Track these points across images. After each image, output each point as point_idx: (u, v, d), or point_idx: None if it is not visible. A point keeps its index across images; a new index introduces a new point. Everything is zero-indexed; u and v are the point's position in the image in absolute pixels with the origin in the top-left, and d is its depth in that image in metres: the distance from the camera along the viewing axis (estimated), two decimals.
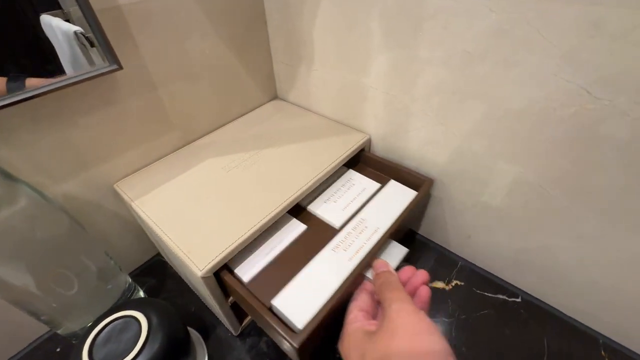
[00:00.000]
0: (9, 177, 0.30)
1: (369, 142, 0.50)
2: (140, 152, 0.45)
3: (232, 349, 0.42)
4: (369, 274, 0.36)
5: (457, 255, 0.51)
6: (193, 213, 0.39)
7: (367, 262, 0.36)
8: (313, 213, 0.44)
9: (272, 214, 0.38)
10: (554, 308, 0.44)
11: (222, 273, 0.35)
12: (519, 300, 0.45)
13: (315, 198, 0.45)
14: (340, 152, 0.46)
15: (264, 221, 0.37)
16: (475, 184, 0.42)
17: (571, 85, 0.29)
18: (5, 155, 0.34)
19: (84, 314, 0.39)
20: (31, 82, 0.33)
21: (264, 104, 0.60)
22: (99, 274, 0.39)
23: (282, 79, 0.58)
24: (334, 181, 0.47)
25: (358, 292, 0.33)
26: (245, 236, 0.35)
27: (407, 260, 0.40)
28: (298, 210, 0.44)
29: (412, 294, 0.31)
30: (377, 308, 0.32)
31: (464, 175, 0.42)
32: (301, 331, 0.30)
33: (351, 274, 0.34)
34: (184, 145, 0.50)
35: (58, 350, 0.43)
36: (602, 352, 0.40)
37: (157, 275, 0.51)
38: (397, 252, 0.40)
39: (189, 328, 0.42)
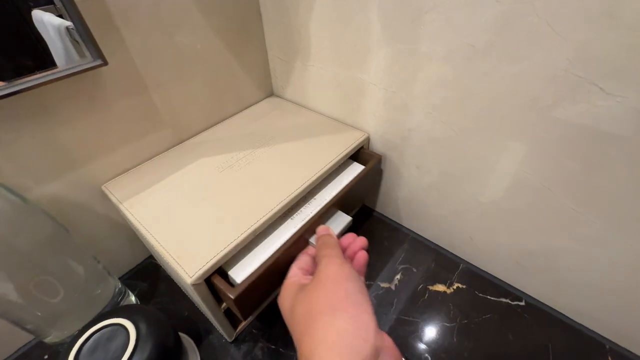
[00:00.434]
0: None
1: (367, 140, 0.48)
2: (129, 151, 0.43)
3: (226, 355, 0.41)
4: (313, 240, 0.38)
5: (459, 257, 0.50)
6: (184, 215, 0.37)
7: (311, 227, 0.38)
8: None
9: (267, 217, 0.36)
10: (559, 312, 0.42)
11: (213, 277, 0.34)
12: (522, 303, 0.44)
13: None
14: (338, 151, 0.44)
15: (258, 224, 0.35)
16: (477, 184, 0.40)
17: (582, 81, 0.27)
18: None
19: (71, 321, 0.37)
20: None
21: (260, 101, 0.58)
22: (87, 280, 0.38)
23: (278, 75, 0.56)
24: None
25: (300, 254, 0.36)
26: (239, 240, 0.34)
27: (403, 260, 0.39)
28: None
29: (352, 258, 0.33)
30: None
31: (466, 175, 0.40)
32: (238, 284, 0.33)
33: (292, 237, 0.37)
34: (175, 145, 0.48)
35: (46, 357, 0.42)
36: (609, 358, 0.38)
37: (149, 278, 0.50)
38: (341, 220, 0.42)
39: (181, 334, 0.41)
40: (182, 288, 0.46)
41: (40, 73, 0.31)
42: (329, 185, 0.45)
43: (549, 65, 0.28)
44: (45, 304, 0.34)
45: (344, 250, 0.34)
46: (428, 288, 0.46)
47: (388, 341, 0.24)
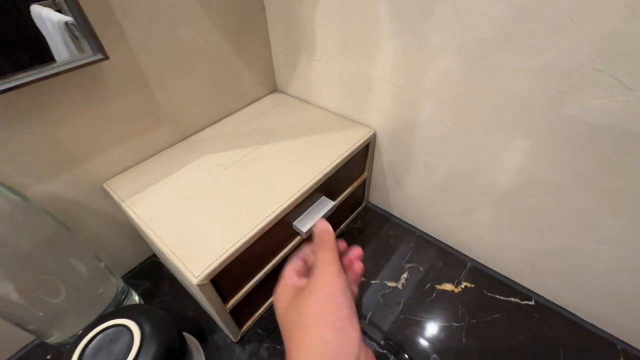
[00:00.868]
0: None
1: (374, 137, 0.47)
2: (131, 148, 0.42)
3: (231, 355, 0.40)
4: (301, 226, 0.39)
5: (466, 256, 0.49)
6: (188, 214, 0.36)
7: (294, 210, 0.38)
8: None
9: (273, 215, 0.35)
10: (570, 312, 0.42)
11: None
12: (532, 303, 0.43)
13: None
14: (344, 148, 0.43)
15: (264, 223, 0.34)
16: (487, 182, 0.39)
17: (601, 75, 0.26)
18: None
19: (74, 321, 0.37)
20: None
21: (263, 97, 0.57)
22: (89, 279, 0.37)
23: (282, 70, 0.55)
24: None
25: (293, 256, 0.35)
26: (244, 239, 0.33)
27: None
28: None
29: (347, 267, 0.33)
30: (310, 272, 0.34)
31: (476, 173, 0.39)
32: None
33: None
34: (178, 142, 0.47)
35: (48, 357, 0.41)
36: (621, 359, 0.38)
37: (152, 277, 0.49)
38: (325, 203, 0.42)
39: (185, 334, 0.40)
40: (186, 287, 0.45)
41: (39, 68, 0.30)
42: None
43: (566, 58, 0.27)
44: (47, 304, 0.34)
45: (339, 253, 0.34)
46: (435, 287, 0.45)
47: (371, 356, 0.26)
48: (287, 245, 0.41)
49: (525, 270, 0.43)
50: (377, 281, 0.46)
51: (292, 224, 0.40)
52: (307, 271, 0.33)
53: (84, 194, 0.40)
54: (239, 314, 0.39)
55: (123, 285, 0.42)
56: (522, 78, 0.30)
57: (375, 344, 0.40)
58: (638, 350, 0.38)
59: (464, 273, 0.47)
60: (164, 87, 0.42)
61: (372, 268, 0.48)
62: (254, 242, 0.34)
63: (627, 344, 0.39)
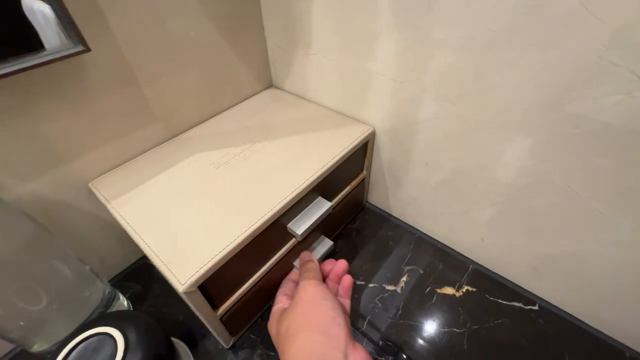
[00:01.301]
0: None
1: (373, 134, 0.45)
2: (118, 146, 0.40)
3: None
4: (297, 264, 0.41)
5: (468, 259, 0.47)
6: (177, 216, 0.34)
7: (297, 253, 0.40)
8: None
9: (267, 217, 0.33)
10: (576, 317, 0.40)
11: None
12: (536, 308, 0.41)
13: None
14: (341, 146, 0.42)
15: (256, 225, 0.33)
16: (492, 182, 0.37)
17: (619, 70, 0.24)
18: None
19: (58, 328, 0.35)
20: None
21: (258, 93, 0.55)
22: (73, 284, 0.35)
23: (278, 65, 0.53)
24: None
25: (285, 280, 0.39)
26: (236, 243, 0.31)
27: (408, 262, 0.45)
28: None
29: (337, 281, 0.36)
30: None
31: (480, 172, 0.38)
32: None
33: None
34: (167, 139, 0.45)
35: None
36: None
37: (142, 280, 0.47)
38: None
39: (175, 340, 0.39)
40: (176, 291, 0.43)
41: (13, 61, 0.28)
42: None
43: (582, 52, 0.25)
44: (27, 312, 0.32)
45: (326, 274, 0.37)
46: (436, 291, 0.44)
47: (360, 350, 0.27)
48: (281, 248, 0.39)
49: (530, 273, 0.41)
50: (375, 284, 0.45)
51: (286, 226, 0.38)
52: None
53: (69, 195, 0.38)
54: (230, 320, 0.37)
55: (110, 289, 0.40)
56: (533, 73, 0.28)
57: (372, 348, 0.39)
58: None
59: (466, 276, 0.45)
60: (154, 82, 0.40)
61: (370, 270, 0.46)
62: (246, 246, 0.32)
63: (635, 351, 0.37)
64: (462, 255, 0.48)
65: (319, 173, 0.38)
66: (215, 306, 0.34)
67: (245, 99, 0.53)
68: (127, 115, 0.39)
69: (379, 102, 0.42)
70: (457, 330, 0.40)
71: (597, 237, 0.33)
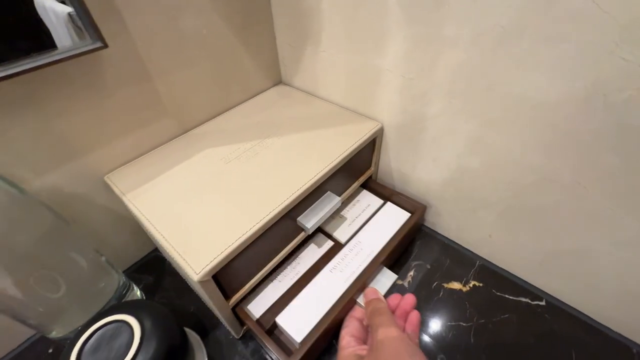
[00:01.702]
0: None
1: (381, 131, 0.46)
2: (132, 141, 0.41)
3: (233, 352, 0.40)
4: (360, 300, 0.37)
5: (475, 254, 0.48)
6: (189, 208, 0.35)
7: (359, 287, 0.38)
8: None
9: (277, 210, 0.34)
10: (583, 313, 0.40)
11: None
12: (542, 303, 0.42)
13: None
14: (350, 142, 0.42)
15: (267, 218, 0.33)
16: (499, 179, 0.38)
17: (629, 65, 0.24)
18: None
19: (75, 316, 0.36)
20: None
21: (267, 89, 0.56)
22: (89, 274, 0.36)
23: (287, 62, 0.53)
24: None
25: (348, 318, 0.35)
26: (247, 235, 0.32)
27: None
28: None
29: (404, 318, 0.33)
30: (367, 333, 0.33)
31: (488, 169, 0.38)
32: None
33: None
34: (179, 135, 0.46)
35: (50, 351, 0.41)
36: None
37: (154, 272, 0.48)
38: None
39: (187, 330, 0.40)
40: (188, 283, 0.45)
41: (35, 56, 0.29)
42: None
43: (592, 48, 0.25)
44: (46, 300, 0.33)
45: (392, 310, 0.33)
46: (443, 286, 0.44)
47: None
48: (291, 242, 0.40)
49: (537, 269, 0.42)
50: None
51: (296, 220, 0.39)
52: (364, 333, 0.33)
53: (84, 188, 0.39)
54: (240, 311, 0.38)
55: (125, 279, 0.41)
56: (542, 69, 0.28)
57: None
58: None
59: (473, 272, 0.45)
60: (167, 78, 0.41)
61: None
62: (257, 238, 0.33)
63: None
64: (469, 251, 0.48)
65: (327, 168, 0.39)
66: (227, 296, 0.35)
67: (254, 96, 0.54)
68: (140, 111, 0.40)
69: (387, 98, 0.42)
70: (464, 325, 0.40)
71: (606, 234, 0.33)
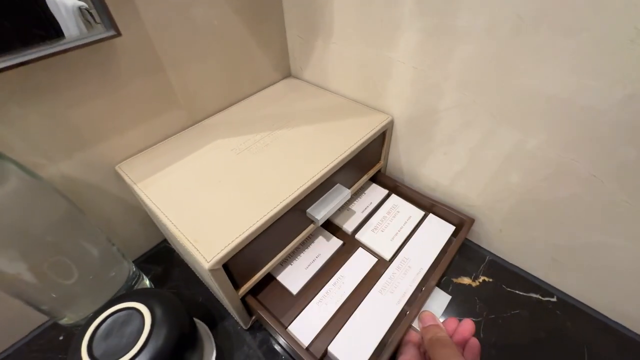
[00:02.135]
0: None
1: (391, 124, 0.45)
2: (143, 131, 0.41)
3: (241, 343, 0.40)
4: (415, 324, 0.35)
5: (485, 249, 0.47)
6: (200, 198, 0.35)
7: (415, 312, 0.35)
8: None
9: (287, 201, 0.34)
10: (595, 310, 0.40)
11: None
12: (554, 300, 0.41)
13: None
14: (360, 134, 0.42)
15: (277, 209, 0.33)
16: (512, 172, 0.37)
17: None
18: None
19: (86, 303, 0.36)
20: None
21: (277, 82, 0.55)
22: (101, 262, 0.37)
23: (297, 55, 0.53)
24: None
25: (405, 344, 0.33)
26: (257, 225, 0.32)
27: None
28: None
29: (461, 344, 0.31)
30: None
31: (500, 162, 0.37)
32: None
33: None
34: (190, 125, 0.46)
35: (61, 338, 0.41)
36: None
37: (163, 263, 0.49)
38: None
39: (196, 320, 0.40)
40: (197, 273, 0.45)
41: (50, 43, 0.29)
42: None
43: (612, 36, 0.25)
44: (59, 286, 0.33)
45: (449, 336, 0.31)
46: (452, 280, 0.44)
47: None
48: (300, 233, 0.40)
49: (548, 265, 0.41)
50: None
51: (306, 212, 0.39)
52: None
53: (96, 176, 0.40)
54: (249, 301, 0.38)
55: (135, 269, 0.42)
56: (559, 60, 0.28)
57: None
58: None
59: (483, 267, 0.45)
60: (178, 69, 0.41)
61: None
62: (266, 229, 0.33)
63: None
64: (479, 246, 0.48)
65: (337, 161, 0.38)
66: (237, 286, 0.35)
67: (264, 88, 0.54)
68: (152, 101, 0.41)
69: (398, 90, 0.42)
70: (474, 319, 0.39)
71: (622, 229, 0.32)
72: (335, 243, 0.44)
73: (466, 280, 0.44)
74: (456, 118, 0.38)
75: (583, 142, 0.30)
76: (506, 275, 0.44)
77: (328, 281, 0.40)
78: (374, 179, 0.51)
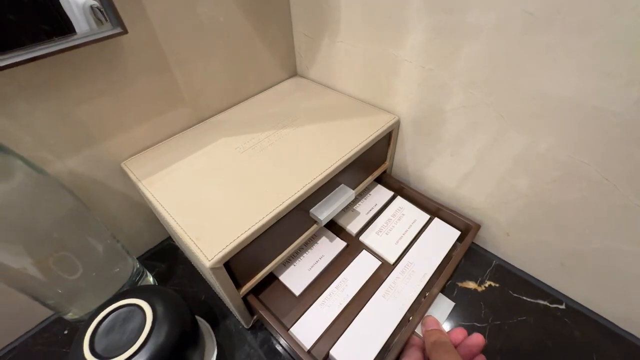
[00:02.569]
0: (1, 149, 0.27)
1: (397, 124, 0.45)
2: (149, 128, 0.41)
3: (243, 342, 0.40)
4: (418, 330, 0.35)
5: (492, 254, 0.46)
6: (203, 196, 0.35)
7: (419, 318, 0.35)
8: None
9: (290, 201, 0.34)
10: (605, 318, 0.39)
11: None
12: (562, 307, 0.40)
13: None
14: (365, 134, 0.41)
15: (280, 208, 0.33)
16: (520, 175, 0.36)
17: None
18: (1, 126, 0.31)
19: (90, 299, 0.37)
20: None
21: (282, 81, 0.55)
22: (106, 258, 0.37)
23: (303, 53, 0.53)
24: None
25: (409, 348, 0.33)
26: (259, 224, 0.32)
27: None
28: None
29: (467, 357, 0.30)
30: None
31: (508, 164, 0.37)
32: None
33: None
34: (195, 124, 0.46)
35: (65, 332, 0.42)
36: None
37: (167, 260, 0.49)
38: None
39: (198, 317, 0.40)
40: (200, 271, 0.45)
41: (58, 40, 0.29)
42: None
43: (629, 33, 0.24)
44: (64, 281, 0.34)
45: (454, 346, 0.31)
46: (457, 285, 0.43)
47: None
48: (304, 233, 0.40)
49: (557, 271, 0.40)
50: None
51: (309, 212, 0.38)
52: None
53: (101, 173, 0.40)
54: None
55: (139, 266, 0.42)
56: (572, 60, 0.27)
57: None
58: None
59: (489, 271, 0.44)
60: (184, 66, 0.41)
61: None
62: (269, 228, 0.33)
63: None
64: (485, 250, 0.47)
65: (342, 160, 0.38)
66: (238, 285, 0.35)
67: (270, 87, 0.54)
68: (158, 99, 0.41)
69: (405, 90, 0.41)
70: (478, 325, 0.39)
71: (634, 234, 0.31)
72: (339, 244, 0.43)
73: (472, 285, 0.43)
74: (464, 118, 0.38)
75: (595, 144, 0.29)
76: (513, 280, 0.43)
77: (331, 283, 0.39)
78: (379, 180, 0.51)
